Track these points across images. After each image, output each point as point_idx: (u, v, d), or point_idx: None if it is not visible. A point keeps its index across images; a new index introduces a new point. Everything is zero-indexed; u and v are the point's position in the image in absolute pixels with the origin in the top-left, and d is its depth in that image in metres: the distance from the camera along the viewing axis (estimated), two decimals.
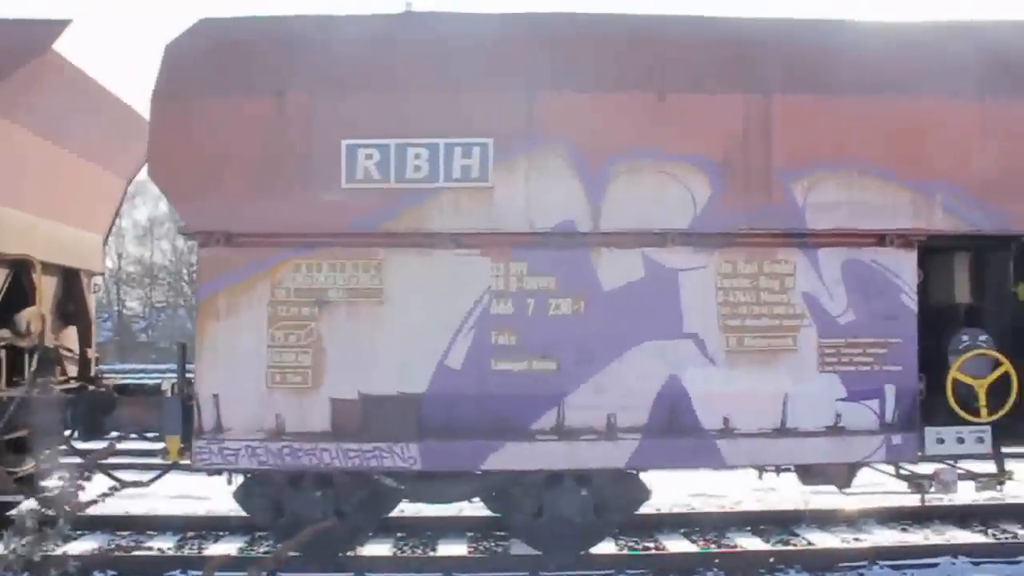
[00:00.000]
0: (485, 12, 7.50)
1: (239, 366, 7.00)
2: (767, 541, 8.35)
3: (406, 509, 8.72)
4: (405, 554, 8.09)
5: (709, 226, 7.08)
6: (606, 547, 7.94)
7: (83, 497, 4.70)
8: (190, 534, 8.68)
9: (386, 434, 6.96)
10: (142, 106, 7.88)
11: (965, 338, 7.52)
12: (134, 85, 8.54)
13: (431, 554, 8.06)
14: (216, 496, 9.35)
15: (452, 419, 7.01)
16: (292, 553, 7.07)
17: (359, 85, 7.11)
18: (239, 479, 7.41)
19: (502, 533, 8.45)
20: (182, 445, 7.16)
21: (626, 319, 7.03)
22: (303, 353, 7.04)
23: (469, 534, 8.61)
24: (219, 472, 7.24)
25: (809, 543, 8.32)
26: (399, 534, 8.58)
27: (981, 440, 7.44)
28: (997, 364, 7.45)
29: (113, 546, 8.25)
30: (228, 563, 6.87)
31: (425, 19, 7.55)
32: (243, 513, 7.80)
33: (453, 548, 8.20)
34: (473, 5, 7.46)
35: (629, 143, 7.05)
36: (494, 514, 7.96)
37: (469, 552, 8.11)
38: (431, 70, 7.14)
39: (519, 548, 7.88)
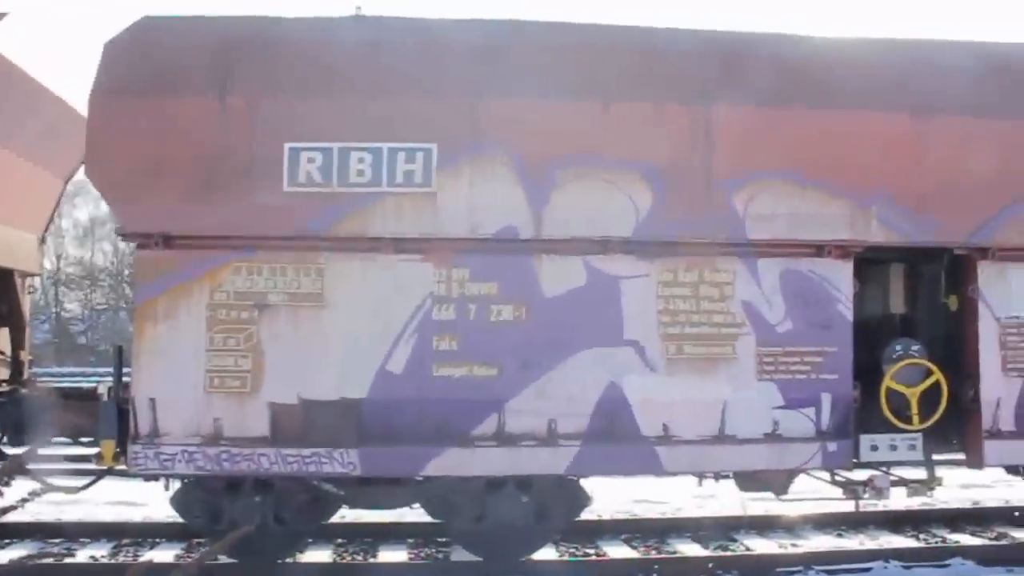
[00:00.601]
0: (432, 17, 7.51)
1: (177, 370, 6.88)
2: (707, 547, 8.44)
3: (347, 515, 8.67)
4: (345, 560, 8.01)
5: (651, 235, 7.13)
6: (547, 553, 7.96)
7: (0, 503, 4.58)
8: (125, 541, 8.50)
9: (326, 439, 6.90)
10: (81, 104, 7.73)
11: (899, 347, 7.68)
12: (73, 82, 8.37)
13: (371, 560, 8.01)
14: (153, 502, 9.18)
15: (393, 424, 6.97)
16: (224, 559, 7.04)
17: (303, 88, 7.06)
18: (176, 484, 7.29)
19: (443, 539, 8.42)
20: (117, 450, 7.03)
21: (567, 326, 7.05)
22: (242, 357, 6.95)
23: (410, 540, 8.57)
24: (156, 478, 7.11)
25: (747, 549, 8.43)
26: (339, 540, 8.50)
27: (913, 447, 7.63)
28: (929, 373, 7.62)
29: (43, 554, 8.04)
30: (151, 570, 6.76)
31: (372, 23, 7.52)
32: (180, 520, 7.68)
33: (394, 554, 8.16)
34: (423, 10, 7.45)
35: (573, 151, 7.09)
36: (435, 520, 7.92)
37: (410, 558, 8.08)
38: (376, 74, 7.12)
39: (460, 554, 7.87)
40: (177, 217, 6.90)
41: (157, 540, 8.55)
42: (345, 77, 7.12)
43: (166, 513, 8.20)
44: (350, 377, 6.96)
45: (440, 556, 8.17)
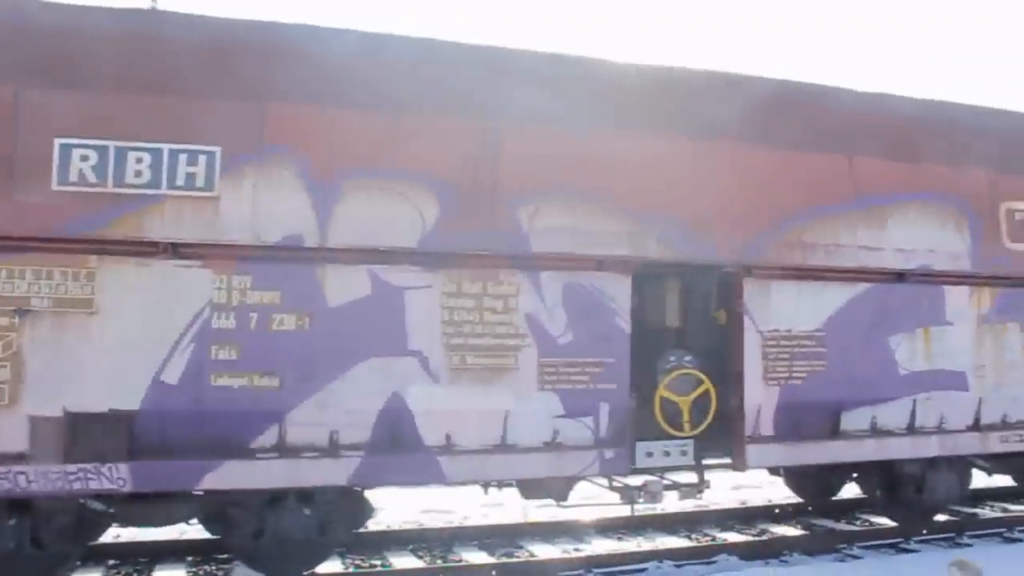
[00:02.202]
0: (219, 16, 7.27)
1: None
2: (492, 555, 8.59)
3: (121, 534, 8.23)
4: None
5: (436, 246, 7.22)
6: (332, 566, 7.86)
7: None
8: None
9: (93, 454, 6.52)
10: None
11: (672, 358, 8.19)
12: None
13: None
14: None
15: (167, 437, 6.68)
16: None
17: (76, 81, 6.66)
18: None
19: (225, 556, 8.15)
20: None
21: (351, 336, 7.01)
22: None
23: (189, 558, 8.24)
24: None
25: (532, 555, 8.65)
26: (111, 561, 8.05)
27: (685, 453, 8.16)
28: (699, 383, 8.15)
29: None
30: None
31: (157, 17, 7.21)
32: None
33: (171, 574, 7.82)
34: (240, 5, 7.17)
35: (361, 161, 7.08)
36: (215, 536, 7.66)
37: None
38: (158, 72, 6.83)
39: (242, 571, 7.64)
40: None
41: None
42: (125, 73, 6.77)
43: None
44: (121, 388, 6.61)
45: (221, 573, 7.89)
